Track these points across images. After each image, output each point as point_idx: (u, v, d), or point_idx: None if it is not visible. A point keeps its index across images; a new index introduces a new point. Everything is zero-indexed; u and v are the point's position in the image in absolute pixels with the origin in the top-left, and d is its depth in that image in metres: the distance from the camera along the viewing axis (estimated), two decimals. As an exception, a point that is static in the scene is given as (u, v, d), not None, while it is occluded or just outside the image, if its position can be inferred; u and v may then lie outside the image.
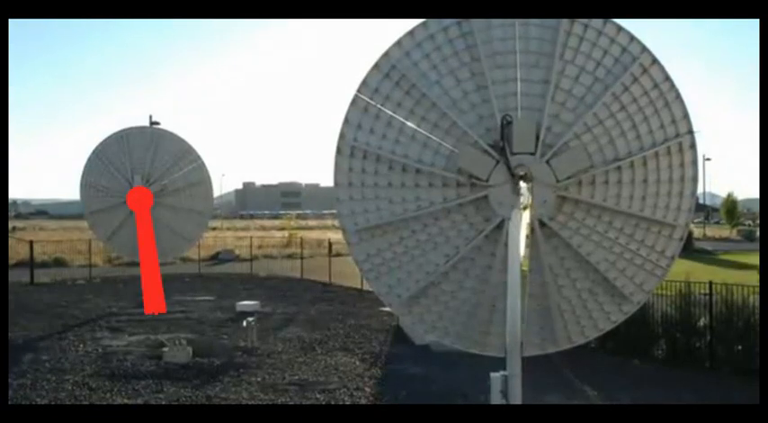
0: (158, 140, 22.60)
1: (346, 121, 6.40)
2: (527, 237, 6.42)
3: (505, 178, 6.18)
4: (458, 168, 6.29)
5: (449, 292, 6.57)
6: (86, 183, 22.52)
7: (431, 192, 6.40)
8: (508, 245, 6.19)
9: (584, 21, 6.14)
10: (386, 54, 6.29)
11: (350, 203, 6.50)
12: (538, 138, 6.13)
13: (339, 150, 6.44)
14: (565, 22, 6.13)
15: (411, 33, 6.25)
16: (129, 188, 21.70)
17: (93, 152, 22.35)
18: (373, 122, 6.37)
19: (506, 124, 6.06)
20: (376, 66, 6.30)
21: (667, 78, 6.17)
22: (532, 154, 6.13)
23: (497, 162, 6.16)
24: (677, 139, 6.21)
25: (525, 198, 6.33)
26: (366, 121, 6.38)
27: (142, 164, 21.99)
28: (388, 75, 6.29)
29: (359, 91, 6.35)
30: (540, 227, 6.30)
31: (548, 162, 6.15)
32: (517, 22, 6.17)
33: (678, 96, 6.19)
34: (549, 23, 6.14)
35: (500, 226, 6.29)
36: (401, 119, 6.35)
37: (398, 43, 6.27)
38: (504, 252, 6.27)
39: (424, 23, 6.26)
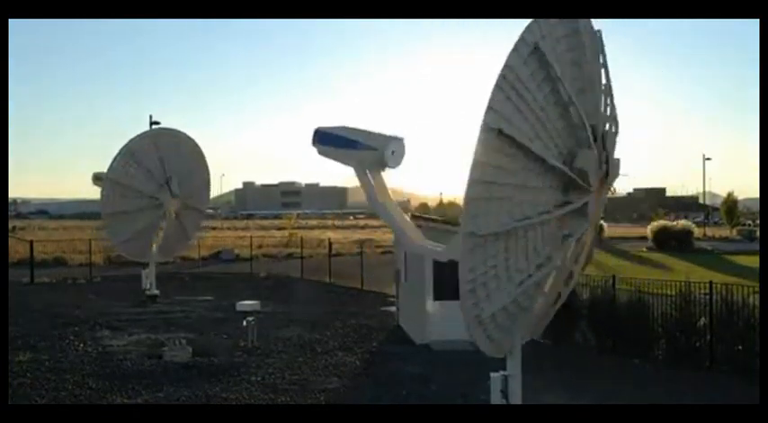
0: (180, 143, 22.99)
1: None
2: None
3: (596, 187, 6.13)
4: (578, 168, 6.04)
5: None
6: (112, 183, 21.89)
7: (539, 194, 6.06)
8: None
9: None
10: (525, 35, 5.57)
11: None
12: None
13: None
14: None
15: (537, 23, 5.65)
16: (167, 193, 21.81)
17: (124, 150, 21.83)
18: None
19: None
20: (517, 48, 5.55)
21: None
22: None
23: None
24: None
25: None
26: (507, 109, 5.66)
27: (170, 167, 22.15)
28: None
29: (503, 74, 5.53)
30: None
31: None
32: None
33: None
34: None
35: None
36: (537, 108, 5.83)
37: (533, 26, 5.63)
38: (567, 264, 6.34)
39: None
